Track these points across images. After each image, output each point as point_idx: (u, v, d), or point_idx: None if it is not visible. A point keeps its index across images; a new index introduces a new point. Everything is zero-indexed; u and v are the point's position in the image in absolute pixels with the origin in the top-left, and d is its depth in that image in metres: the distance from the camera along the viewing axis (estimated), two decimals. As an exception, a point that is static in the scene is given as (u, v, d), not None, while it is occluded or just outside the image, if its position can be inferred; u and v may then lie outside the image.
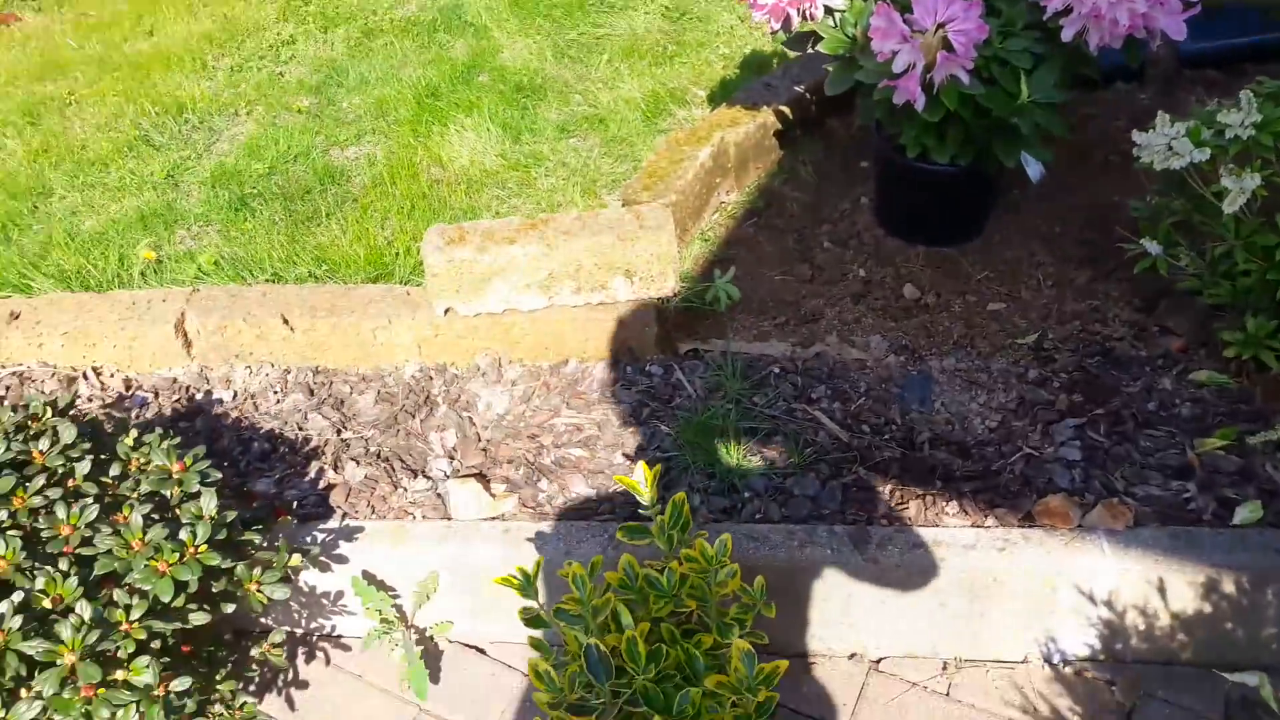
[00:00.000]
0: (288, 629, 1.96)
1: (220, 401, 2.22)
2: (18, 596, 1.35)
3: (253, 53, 3.45)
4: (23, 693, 1.32)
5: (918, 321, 2.21)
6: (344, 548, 1.89)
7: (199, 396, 2.24)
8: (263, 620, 1.95)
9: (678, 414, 2.05)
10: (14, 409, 1.56)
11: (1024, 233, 2.42)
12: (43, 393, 2.25)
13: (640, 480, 1.45)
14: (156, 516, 1.49)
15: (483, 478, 1.99)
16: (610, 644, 1.39)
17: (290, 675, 1.94)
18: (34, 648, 1.31)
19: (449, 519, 1.95)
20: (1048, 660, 1.80)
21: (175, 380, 2.28)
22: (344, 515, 1.97)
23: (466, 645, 1.97)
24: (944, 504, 1.85)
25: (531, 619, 1.49)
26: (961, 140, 2.15)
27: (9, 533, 1.40)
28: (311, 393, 2.23)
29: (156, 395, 2.25)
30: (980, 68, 1.96)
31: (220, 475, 1.59)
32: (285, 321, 2.23)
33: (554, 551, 1.81)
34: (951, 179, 2.27)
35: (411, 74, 3.22)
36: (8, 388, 2.30)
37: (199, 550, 1.44)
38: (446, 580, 1.89)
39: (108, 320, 2.27)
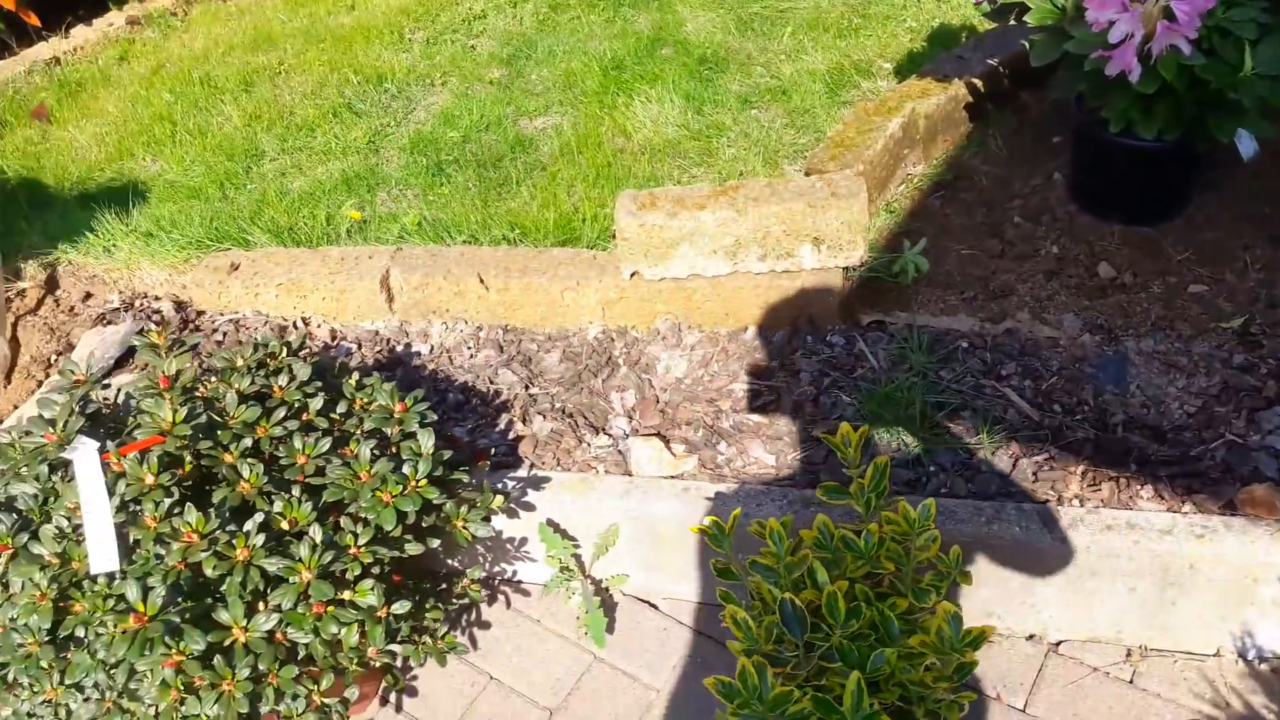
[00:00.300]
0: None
1: (418, 354, 2.35)
2: (259, 518, 1.48)
3: (446, 26, 3.60)
4: (260, 606, 1.45)
5: (1113, 301, 2.14)
6: (531, 496, 1.98)
7: (399, 349, 2.38)
8: (449, 562, 2.07)
9: (860, 384, 2.05)
10: (255, 347, 1.70)
11: (1229, 213, 2.30)
12: (253, 338, 2.44)
13: (845, 441, 1.47)
14: (378, 452, 1.61)
15: (663, 438, 2.05)
16: (805, 599, 1.42)
17: (474, 615, 2.05)
18: (274, 565, 1.44)
19: (629, 475, 2.01)
20: (1242, 655, 1.73)
21: (377, 333, 2.43)
22: (531, 465, 2.06)
23: (640, 599, 2.04)
24: (1138, 488, 1.79)
25: (723, 570, 1.54)
26: (1170, 114, 2.06)
27: (251, 459, 1.54)
28: (501, 349, 2.34)
29: (359, 346, 2.40)
30: (1201, 38, 1.87)
31: (435, 417, 1.69)
32: (481, 281, 2.34)
33: (731, 513, 1.85)
34: (1156, 154, 2.18)
35: (597, 47, 3.29)
36: (224, 334, 2.50)
37: (419, 484, 1.55)
38: (626, 534, 1.96)
39: (319, 274, 2.44)
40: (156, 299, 2.62)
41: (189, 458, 1.51)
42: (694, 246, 2.16)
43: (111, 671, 1.39)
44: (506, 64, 3.33)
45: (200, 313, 2.56)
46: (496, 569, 2.10)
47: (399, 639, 1.61)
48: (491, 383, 2.25)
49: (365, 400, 1.71)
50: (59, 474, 1.55)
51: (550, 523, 1.98)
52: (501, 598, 2.08)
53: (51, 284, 2.74)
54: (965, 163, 2.58)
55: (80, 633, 1.43)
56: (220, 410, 1.57)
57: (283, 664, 1.42)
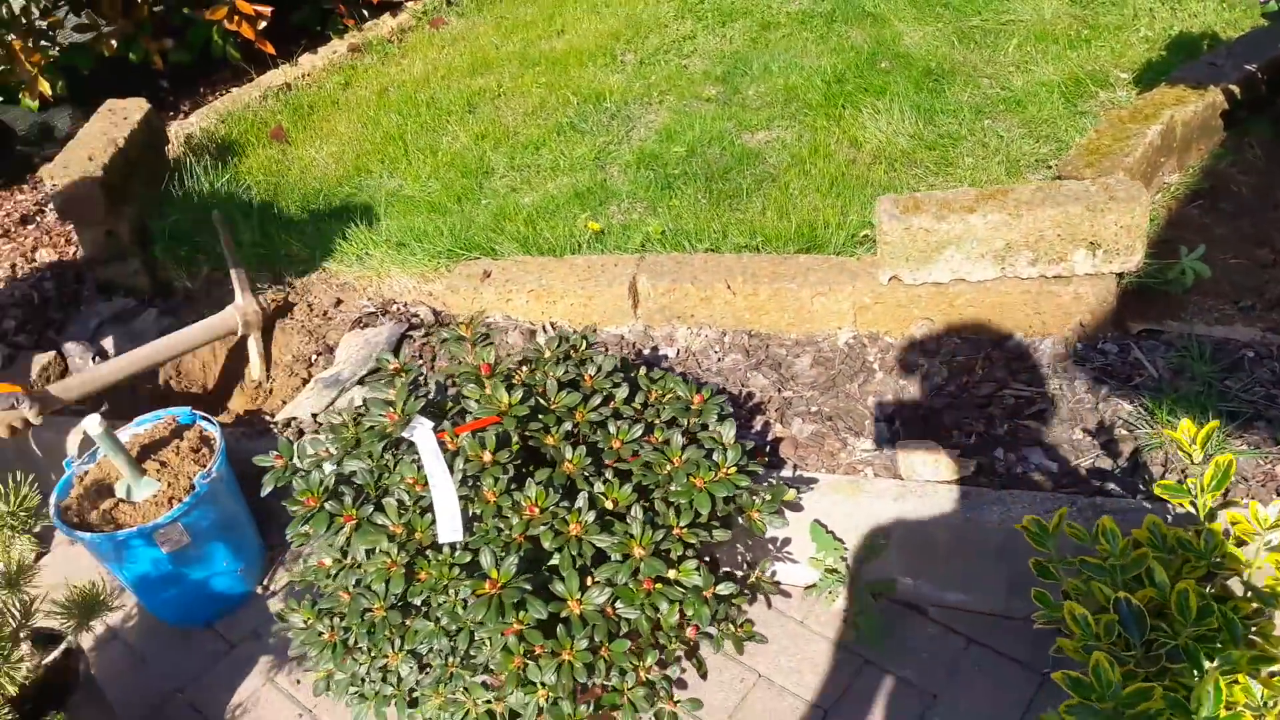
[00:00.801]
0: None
1: (665, 357, 2.40)
2: (585, 496, 1.53)
3: (657, 48, 3.69)
4: (588, 580, 1.49)
5: None
6: (800, 497, 1.98)
7: (645, 352, 2.43)
8: (715, 557, 2.08)
9: (1141, 393, 1.99)
10: (560, 340, 1.77)
11: None
12: (504, 340, 2.53)
13: (1186, 437, 1.43)
14: (685, 440, 1.64)
15: (932, 442, 2.02)
16: (1141, 599, 1.38)
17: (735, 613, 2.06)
18: (605, 541, 1.48)
19: (898, 479, 2.00)
20: None
21: (622, 337, 2.48)
22: (794, 466, 2.07)
23: (909, 604, 2.01)
24: None
25: (1043, 569, 1.51)
26: None
27: (570, 442, 1.59)
28: (749, 354, 2.36)
29: (606, 349, 2.46)
30: None
31: (732, 410, 1.72)
32: (728, 286, 2.37)
33: (1013, 520, 1.81)
34: None
35: (813, 62, 3.32)
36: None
37: (729, 472, 1.57)
38: (897, 538, 1.94)
39: (568, 280, 2.51)
40: (410, 304, 2.75)
41: (515, 438, 1.57)
42: (960, 250, 2.14)
43: (454, 638, 1.45)
44: (721, 81, 3.38)
45: (453, 316, 2.67)
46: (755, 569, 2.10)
47: (718, 620, 1.63)
48: (743, 385, 2.27)
49: (660, 392, 1.75)
50: (390, 452, 1.64)
51: (818, 524, 1.98)
52: (762, 598, 2.08)
53: (304, 290, 2.90)
54: (1221, 171, 2.49)
55: (420, 601, 1.49)
56: (541, 395, 1.63)
57: (613, 638, 1.46)
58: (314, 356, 2.72)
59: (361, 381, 2.48)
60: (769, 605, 2.08)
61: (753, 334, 2.41)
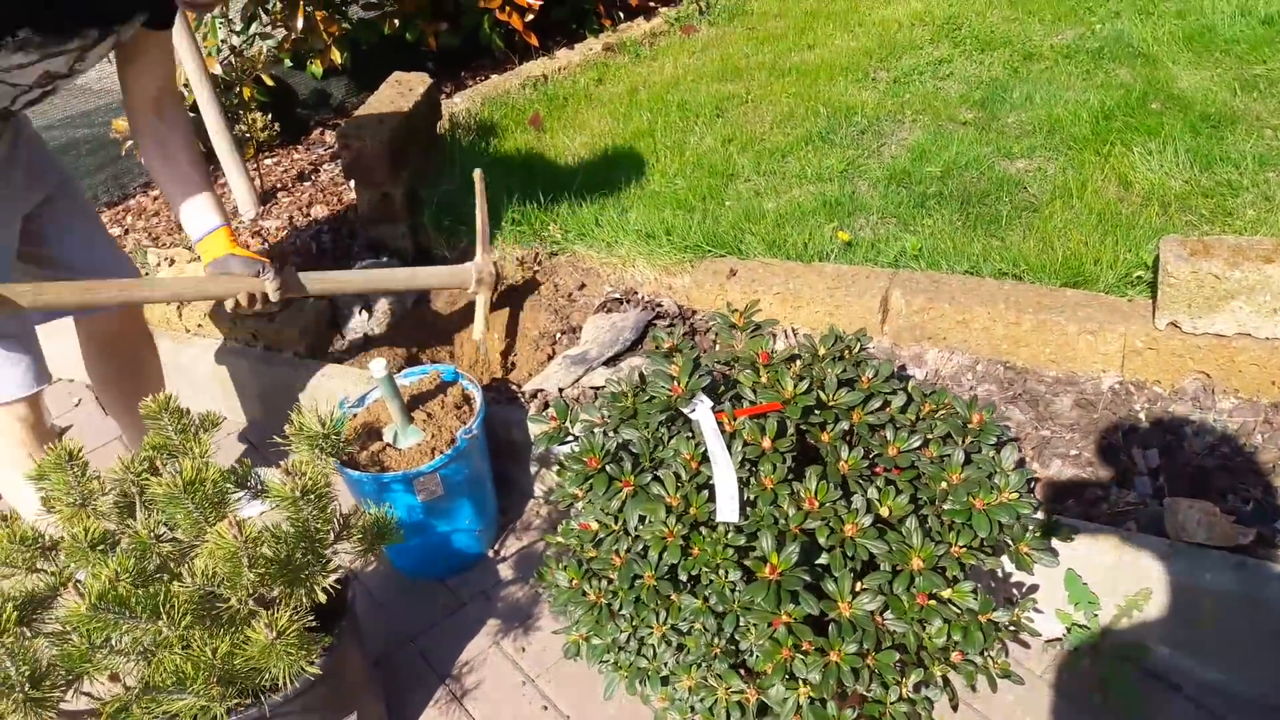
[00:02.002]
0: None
1: (911, 377, 2.37)
2: (860, 500, 1.53)
3: (911, 68, 3.65)
4: (857, 585, 1.49)
5: None
6: (1053, 541, 1.90)
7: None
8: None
9: None
10: (834, 338, 1.78)
11: None
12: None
13: None
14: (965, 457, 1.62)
15: (1207, 503, 1.92)
16: None
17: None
18: (879, 548, 1.48)
19: (1164, 537, 1.89)
20: None
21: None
22: (1050, 510, 2.00)
23: (1159, 677, 1.90)
24: None
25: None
26: None
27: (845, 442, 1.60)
28: (1004, 385, 2.30)
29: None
30: None
31: (1014, 435, 1.68)
32: (988, 312, 2.32)
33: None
34: None
35: (1077, 96, 3.22)
36: (716, 332, 2.64)
37: (1010, 497, 1.54)
38: (1158, 601, 1.84)
39: (815, 287, 2.52)
40: (652, 295, 2.82)
41: (791, 430, 1.59)
42: (1250, 302, 2.03)
43: (720, 619, 1.48)
44: (979, 106, 3.32)
45: (694, 310, 2.73)
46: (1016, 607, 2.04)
47: (981, 650, 1.59)
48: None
49: (934, 406, 1.73)
50: (665, 427, 1.69)
51: (1074, 574, 1.91)
52: (999, 642, 2.02)
53: (551, 270, 3.02)
54: None
55: (686, 577, 1.53)
56: (820, 390, 1.64)
57: (880, 648, 1.45)
58: (558, 334, 2.83)
59: (607, 362, 2.56)
60: (1006, 653, 2.01)
61: (1009, 365, 2.35)
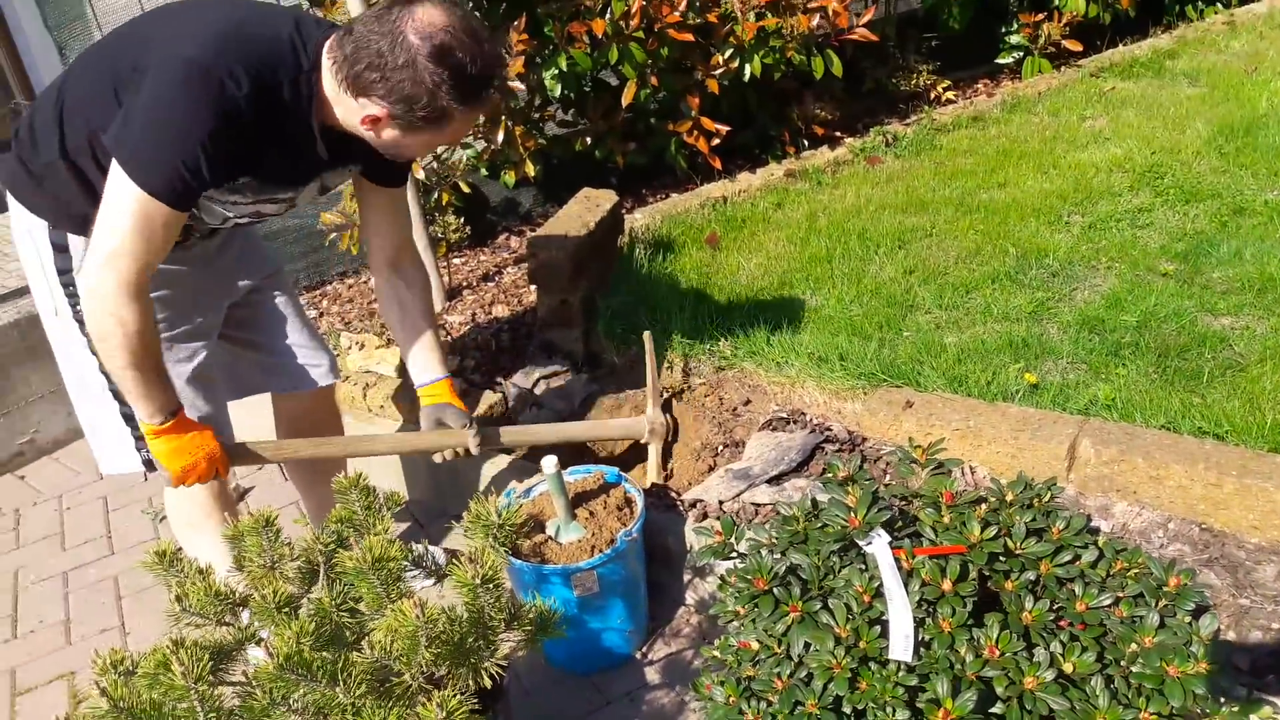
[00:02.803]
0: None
1: (1099, 530, 2.24)
2: (1043, 654, 1.44)
3: (1107, 214, 3.57)
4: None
5: None
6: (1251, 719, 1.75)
7: (1072, 520, 2.28)
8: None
9: None
10: (1024, 485, 1.71)
11: None
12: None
13: None
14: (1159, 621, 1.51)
15: None
16: None
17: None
18: (1059, 704, 1.39)
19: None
20: None
21: (1047, 498, 2.36)
22: (1250, 688, 1.83)
23: None
24: None
25: None
26: None
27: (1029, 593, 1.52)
28: (1198, 548, 2.15)
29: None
30: None
31: (1211, 602, 1.57)
32: (1185, 471, 2.19)
33: None
34: None
35: (1293, 256, 3.06)
36: (887, 464, 2.59)
37: (1203, 667, 1.42)
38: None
39: (999, 427, 2.44)
40: (819, 418, 2.80)
41: (973, 575, 1.53)
42: None
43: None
44: (1181, 259, 3.20)
45: (865, 438, 2.68)
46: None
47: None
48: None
49: (1126, 564, 1.63)
50: (837, 556, 1.65)
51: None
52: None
53: (718, 384, 3.05)
54: None
55: (850, 710, 1.47)
56: (1007, 536, 1.58)
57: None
58: (720, 447, 2.83)
59: (771, 481, 2.54)
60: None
61: (1204, 527, 2.19)
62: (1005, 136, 4.53)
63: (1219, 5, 6.04)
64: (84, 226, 1.89)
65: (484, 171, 4.37)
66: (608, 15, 3.83)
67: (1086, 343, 2.80)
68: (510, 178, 4.20)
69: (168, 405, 1.94)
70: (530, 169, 4.03)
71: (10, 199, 2.00)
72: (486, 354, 3.35)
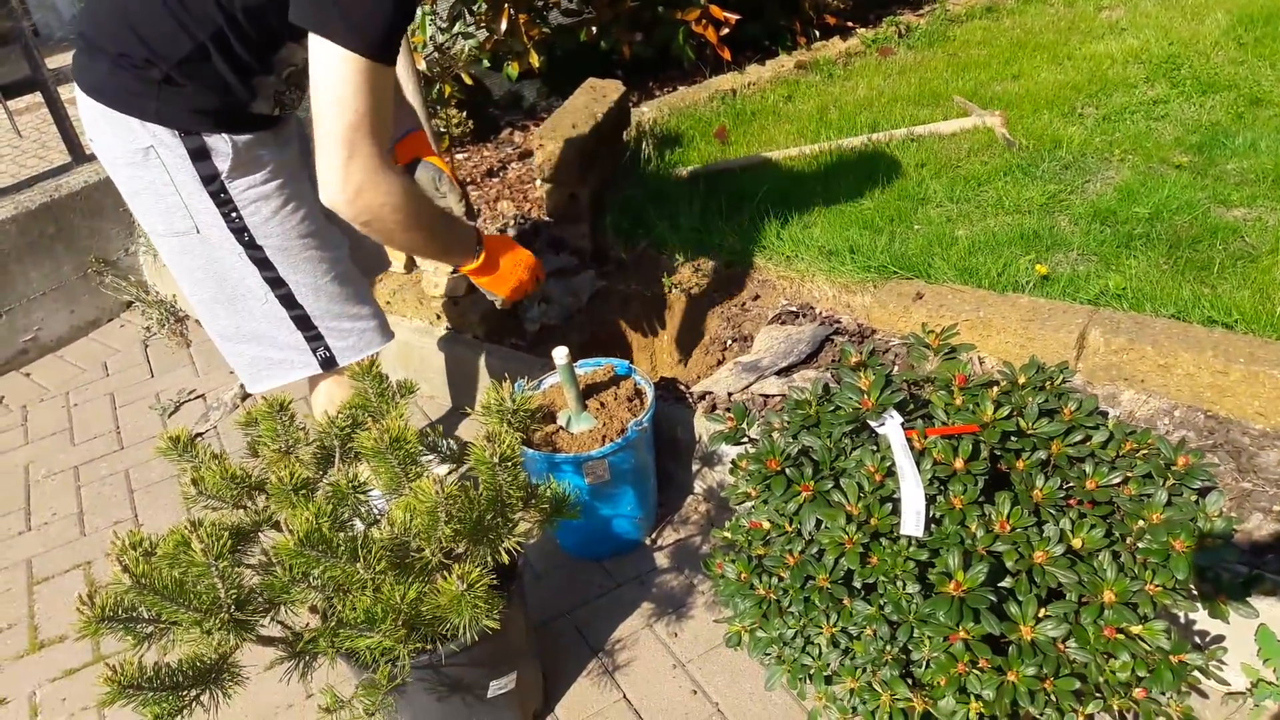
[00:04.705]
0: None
1: (1107, 414, 2.26)
2: (1052, 529, 1.47)
3: (1122, 106, 3.50)
4: (1041, 611, 1.43)
5: None
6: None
7: (1079, 408, 2.30)
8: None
9: None
10: (1036, 367, 1.72)
11: None
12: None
13: None
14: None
15: None
16: None
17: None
18: (1069, 577, 1.41)
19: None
20: None
21: (1054, 387, 2.37)
22: (1250, 564, 1.87)
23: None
24: None
25: None
26: None
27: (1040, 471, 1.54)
28: (1203, 434, 2.17)
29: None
30: None
31: (1216, 481, 1.59)
32: (1193, 359, 2.19)
33: None
34: None
35: (1310, 146, 3.01)
36: (896, 354, 2.59)
37: (1211, 541, 1.45)
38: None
39: (1008, 317, 2.44)
40: (829, 311, 2.79)
41: (985, 454, 1.55)
42: None
43: (895, 628, 1.45)
44: (1195, 150, 3.15)
45: (874, 330, 2.68)
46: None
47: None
48: (1192, 467, 2.09)
49: (1136, 445, 1.65)
50: (849, 438, 1.66)
51: (1267, 629, 1.78)
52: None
53: (726, 279, 3.03)
54: None
55: (861, 585, 1.50)
56: (1019, 417, 1.59)
57: (1059, 675, 1.39)
58: (729, 341, 2.84)
59: (780, 373, 2.55)
60: (1188, 697, 1.89)
61: (1210, 414, 2.21)
62: (1020, 28, 4.43)
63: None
64: (227, 120, 1.78)
65: (486, 63, 4.27)
66: (614, -105, 3.70)
67: (1098, 234, 2.78)
68: (514, 69, 4.11)
69: (472, 236, 1.90)
70: (534, 59, 3.94)
71: (115, 118, 1.80)
72: (493, 249, 3.32)
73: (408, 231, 1.72)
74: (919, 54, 4.30)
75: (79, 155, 3.81)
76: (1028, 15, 4.58)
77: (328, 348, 2.06)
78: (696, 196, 3.25)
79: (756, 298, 2.99)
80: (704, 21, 4.08)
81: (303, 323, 2.03)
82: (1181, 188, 2.93)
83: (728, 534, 1.74)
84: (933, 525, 1.50)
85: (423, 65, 3.87)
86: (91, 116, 1.84)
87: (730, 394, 2.55)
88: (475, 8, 3.93)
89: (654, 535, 2.49)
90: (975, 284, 2.64)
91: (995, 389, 1.68)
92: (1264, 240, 2.64)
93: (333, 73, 1.54)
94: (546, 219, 3.36)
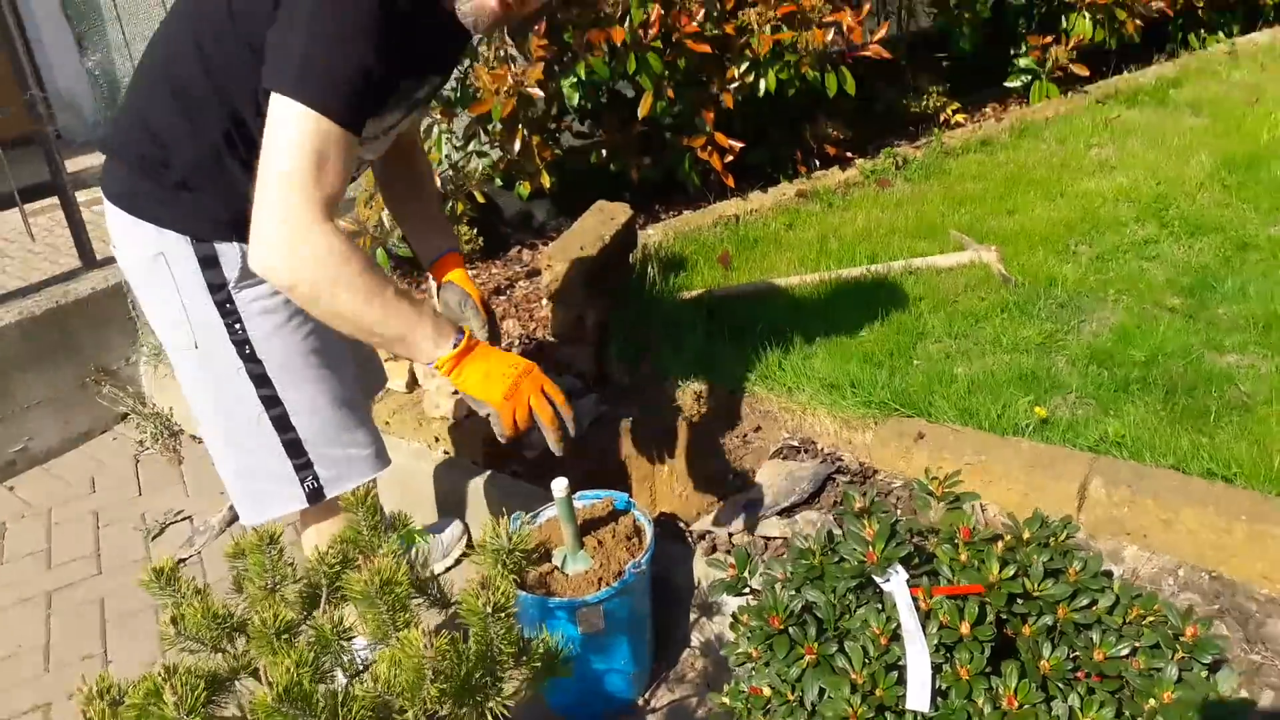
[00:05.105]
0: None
1: (1111, 574, 2.23)
2: (1062, 707, 1.43)
3: (1115, 246, 3.57)
4: None
5: None
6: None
7: (1081, 558, 2.27)
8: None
9: None
10: (1040, 522, 1.70)
11: None
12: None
13: None
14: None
15: None
16: None
17: None
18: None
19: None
20: None
21: (1056, 536, 2.35)
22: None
23: None
24: None
25: None
26: None
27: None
28: (1209, 598, 2.14)
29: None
30: None
31: (1228, 656, 1.56)
32: (1196, 515, 2.18)
33: None
34: None
35: (1299, 294, 3.06)
36: (899, 498, 2.58)
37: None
38: None
39: (1010, 463, 2.43)
40: (830, 448, 2.79)
41: (991, 617, 1.52)
42: None
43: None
44: (1187, 293, 3.20)
45: (875, 470, 2.67)
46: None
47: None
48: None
49: (1143, 611, 1.62)
50: (853, 593, 1.64)
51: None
52: None
53: (727, 410, 3.04)
54: None
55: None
56: (1025, 577, 1.57)
57: None
58: (730, 475, 2.82)
59: (782, 512, 2.53)
60: None
61: (1215, 575, 2.19)
62: (1013, 163, 4.54)
63: (1221, 34, 6.06)
64: (238, 228, 1.69)
65: (499, 182, 4.35)
66: (626, 23, 3.82)
67: (1095, 377, 2.80)
68: (525, 189, 4.18)
69: (448, 324, 1.65)
70: (546, 180, 4.02)
71: (129, 224, 1.82)
72: (495, 370, 3.33)
73: (357, 297, 1.54)
74: (916, 186, 4.40)
75: (89, 260, 3.83)
76: (1021, 150, 4.70)
77: (316, 478, 2.01)
78: (700, 321, 3.28)
79: (758, 429, 2.99)
80: (709, 148, 4.19)
81: (293, 448, 1.98)
82: (1175, 331, 2.97)
83: (726, 700, 1.69)
84: (939, 698, 1.46)
85: (438, 183, 3.94)
86: (114, 224, 1.87)
87: (731, 535, 2.52)
88: (490, 128, 4.03)
89: (648, 695, 2.36)
90: (975, 424, 2.65)
91: (1000, 544, 1.66)
92: (1258, 389, 2.66)
93: (276, 123, 1.51)
94: (552, 339, 3.38)
